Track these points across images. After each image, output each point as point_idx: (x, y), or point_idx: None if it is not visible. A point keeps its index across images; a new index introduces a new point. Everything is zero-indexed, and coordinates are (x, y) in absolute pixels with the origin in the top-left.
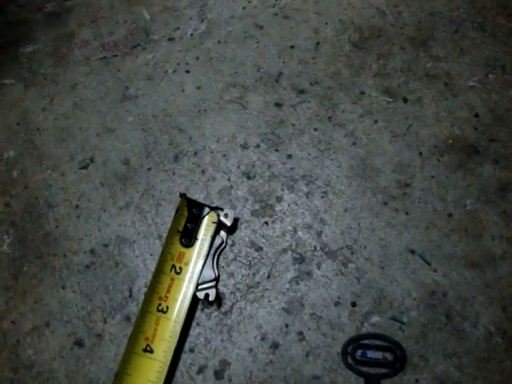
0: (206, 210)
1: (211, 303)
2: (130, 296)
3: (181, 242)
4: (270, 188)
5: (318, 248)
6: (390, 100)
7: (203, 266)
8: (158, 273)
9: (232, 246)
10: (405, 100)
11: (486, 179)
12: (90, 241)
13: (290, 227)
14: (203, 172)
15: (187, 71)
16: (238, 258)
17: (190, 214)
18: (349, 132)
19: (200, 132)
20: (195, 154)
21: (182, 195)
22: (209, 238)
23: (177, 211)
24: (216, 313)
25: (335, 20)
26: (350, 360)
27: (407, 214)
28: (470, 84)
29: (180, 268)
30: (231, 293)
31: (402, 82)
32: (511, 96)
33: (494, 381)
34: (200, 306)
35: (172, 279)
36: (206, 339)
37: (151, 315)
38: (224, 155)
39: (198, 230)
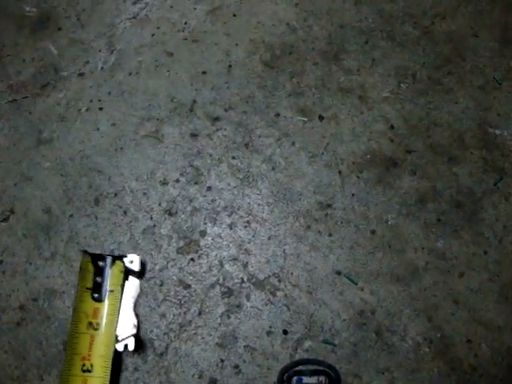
0: (110, 260)
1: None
2: (65, 349)
3: (93, 298)
4: (193, 223)
5: (245, 279)
6: (305, 120)
7: (118, 317)
8: (75, 334)
9: (161, 286)
10: (320, 118)
11: (406, 191)
12: (17, 296)
13: (216, 261)
14: (125, 213)
15: (100, 108)
16: (167, 298)
17: (97, 267)
18: (267, 157)
19: (118, 171)
20: (116, 195)
21: (84, 252)
22: (119, 288)
23: (81, 269)
24: (152, 355)
25: (245, 40)
26: None
27: (331, 235)
28: (383, 95)
29: (97, 324)
30: (165, 334)
31: (316, 99)
32: (423, 105)
33: None
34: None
35: (92, 336)
36: None
37: (76, 378)
38: (144, 193)
39: (107, 281)
